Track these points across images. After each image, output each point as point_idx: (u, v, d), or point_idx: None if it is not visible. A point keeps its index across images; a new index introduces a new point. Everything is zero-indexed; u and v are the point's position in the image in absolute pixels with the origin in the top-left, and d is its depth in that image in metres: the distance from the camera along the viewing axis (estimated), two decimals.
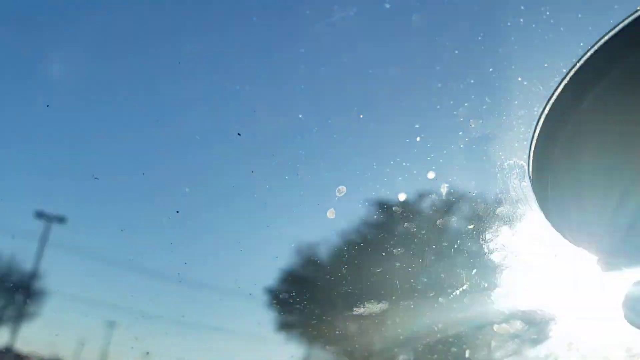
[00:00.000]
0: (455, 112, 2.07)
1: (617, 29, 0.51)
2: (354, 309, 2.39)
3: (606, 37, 0.52)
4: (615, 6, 1.60)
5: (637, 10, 0.49)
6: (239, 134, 2.47)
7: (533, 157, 0.67)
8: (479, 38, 1.94)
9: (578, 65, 0.55)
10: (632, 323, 0.67)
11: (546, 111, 0.61)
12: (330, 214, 2.48)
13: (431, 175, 2.30)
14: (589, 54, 0.54)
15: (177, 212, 2.39)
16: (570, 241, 0.79)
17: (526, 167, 0.76)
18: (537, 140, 0.64)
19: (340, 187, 2.40)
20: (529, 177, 0.73)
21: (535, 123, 0.65)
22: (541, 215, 0.75)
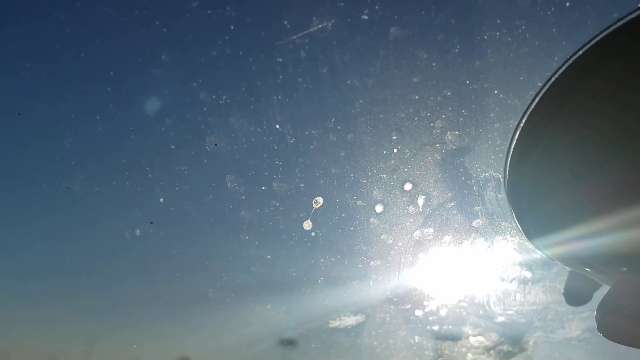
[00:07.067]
0: (432, 124, 2.08)
1: (592, 43, 0.51)
2: None
3: (580, 52, 0.52)
4: (589, 22, 1.64)
5: (613, 24, 0.48)
6: (215, 145, 2.45)
7: (509, 170, 0.66)
8: (456, 50, 1.96)
9: (553, 79, 0.55)
10: (604, 332, 0.66)
11: (522, 124, 0.61)
12: (307, 225, 2.46)
13: (408, 186, 2.30)
14: (564, 67, 0.54)
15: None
16: (546, 255, 0.79)
17: (502, 180, 0.75)
18: (512, 153, 0.64)
19: (316, 197, 2.39)
20: (505, 190, 0.72)
21: (510, 136, 0.64)
22: (518, 228, 0.75)
